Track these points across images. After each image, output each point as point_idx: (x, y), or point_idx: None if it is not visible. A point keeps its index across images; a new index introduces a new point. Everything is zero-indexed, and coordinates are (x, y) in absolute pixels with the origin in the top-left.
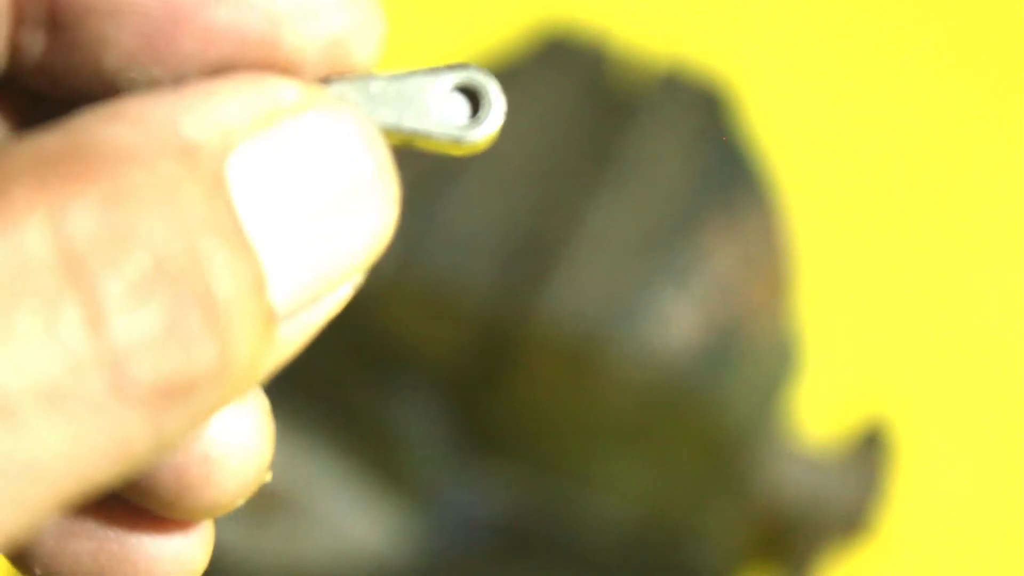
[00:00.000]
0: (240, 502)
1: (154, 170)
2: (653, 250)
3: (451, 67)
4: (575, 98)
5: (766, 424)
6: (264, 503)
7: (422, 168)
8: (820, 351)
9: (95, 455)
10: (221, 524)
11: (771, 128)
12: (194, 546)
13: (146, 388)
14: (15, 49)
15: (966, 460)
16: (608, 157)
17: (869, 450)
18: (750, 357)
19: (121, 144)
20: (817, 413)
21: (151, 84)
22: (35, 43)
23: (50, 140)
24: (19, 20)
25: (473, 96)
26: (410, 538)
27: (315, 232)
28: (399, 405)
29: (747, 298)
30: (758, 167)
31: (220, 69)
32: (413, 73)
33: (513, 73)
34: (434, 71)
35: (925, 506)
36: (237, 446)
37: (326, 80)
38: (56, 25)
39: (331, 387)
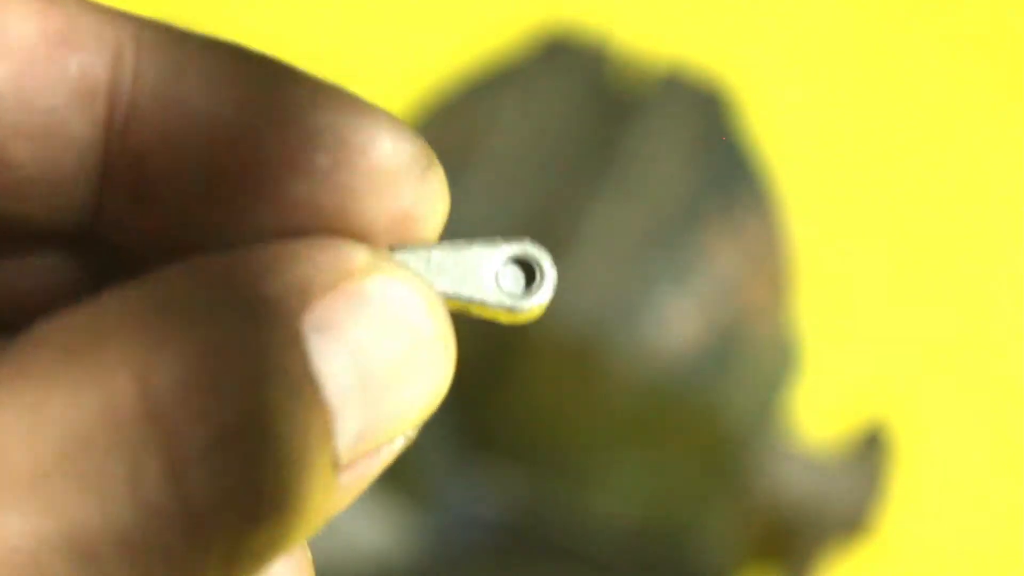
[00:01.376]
0: None
1: (235, 327)
2: (654, 250)
3: (507, 240)
4: (576, 98)
5: (767, 424)
6: None
7: None
8: (820, 351)
9: None
10: None
11: (771, 128)
12: None
13: (219, 539)
14: (100, 209)
15: (966, 460)
16: (609, 157)
17: (869, 451)
18: (751, 357)
19: (204, 301)
20: (817, 414)
21: (229, 250)
22: (120, 206)
23: (137, 296)
24: (106, 184)
25: (527, 267)
26: (411, 537)
27: (378, 388)
28: None
29: (748, 298)
30: (759, 167)
31: (295, 234)
32: (472, 243)
33: (515, 73)
34: (492, 242)
35: (925, 506)
36: None
37: (391, 248)
38: (141, 191)
39: None
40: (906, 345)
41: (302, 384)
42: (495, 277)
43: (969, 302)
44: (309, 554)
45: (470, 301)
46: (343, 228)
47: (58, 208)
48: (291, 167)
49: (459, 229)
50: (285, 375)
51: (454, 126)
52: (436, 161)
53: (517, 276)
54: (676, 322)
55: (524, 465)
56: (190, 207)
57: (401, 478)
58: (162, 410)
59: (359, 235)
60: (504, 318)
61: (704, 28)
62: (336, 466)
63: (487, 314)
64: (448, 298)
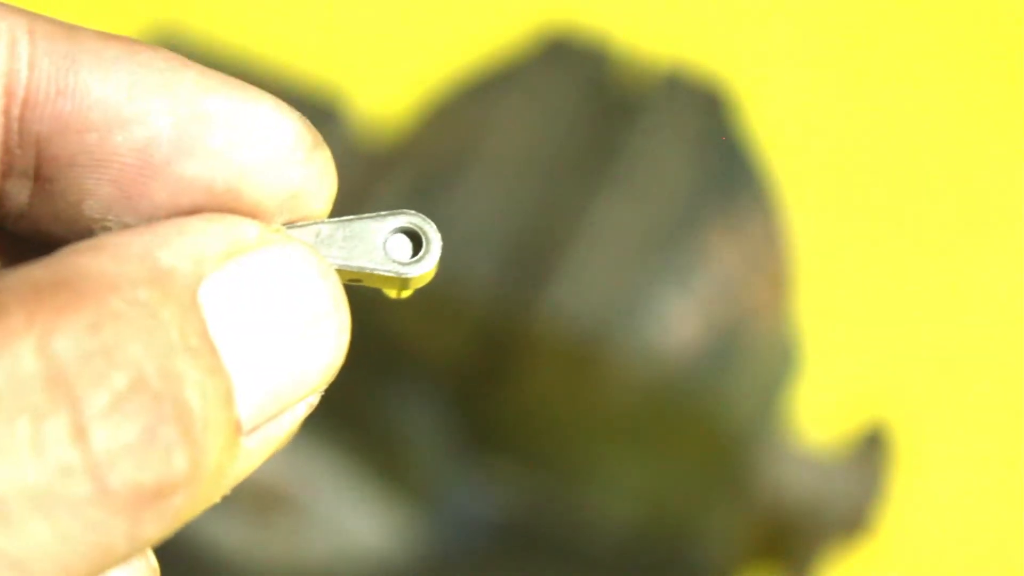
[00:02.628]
0: None
1: (132, 296)
2: (655, 250)
3: (393, 212)
4: (577, 98)
5: (767, 424)
6: (267, 503)
7: (424, 169)
8: (820, 352)
9: (78, 554)
10: (224, 524)
11: (771, 129)
12: None
13: (124, 493)
14: (1, 196)
15: (966, 460)
16: (610, 157)
17: (870, 451)
18: (752, 357)
19: (102, 273)
20: (818, 414)
21: (125, 228)
22: (20, 192)
23: (38, 271)
24: (5, 171)
25: (414, 237)
26: (412, 537)
27: (277, 354)
28: (401, 404)
29: (749, 298)
30: (759, 168)
31: (189, 213)
32: (360, 218)
33: (516, 73)
34: (378, 216)
35: (925, 506)
36: None
37: (284, 224)
38: (40, 176)
39: (332, 387)
40: (906, 345)
41: (200, 349)
42: (383, 247)
43: (969, 302)
44: (154, 563)
45: (360, 270)
46: (235, 206)
47: None
48: (183, 148)
49: (460, 228)
50: (183, 341)
51: (455, 126)
52: (322, 142)
53: (405, 245)
54: (676, 322)
55: (524, 465)
56: (87, 190)
57: (402, 477)
58: (63, 374)
59: (251, 213)
60: (395, 286)
61: (704, 28)
62: (238, 429)
63: (378, 283)
64: (339, 268)
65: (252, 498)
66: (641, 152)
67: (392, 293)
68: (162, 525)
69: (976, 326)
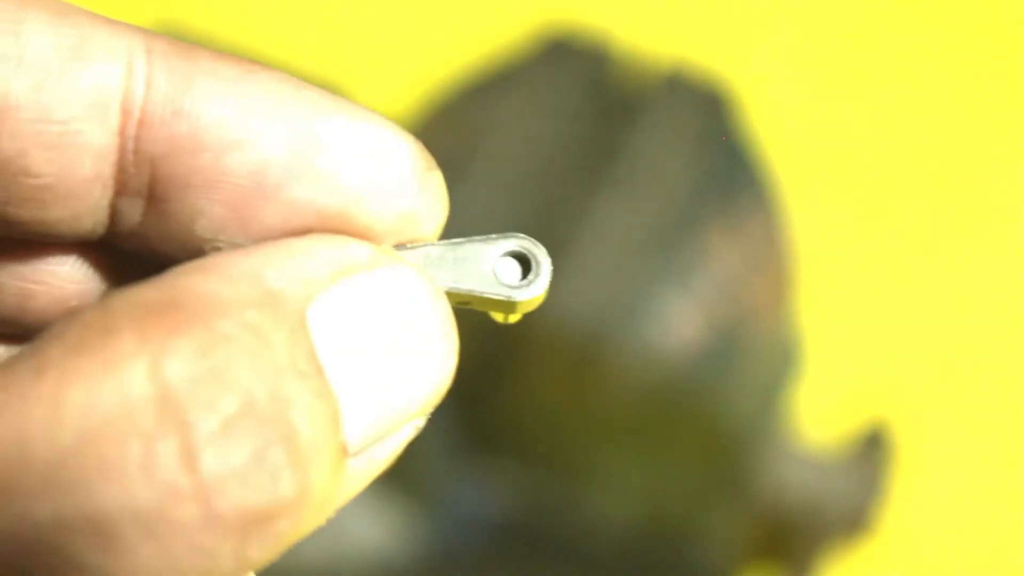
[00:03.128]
0: None
1: (242, 318)
2: (655, 250)
3: (504, 236)
4: (578, 98)
5: (768, 424)
6: None
7: None
8: (821, 351)
9: None
10: None
11: (771, 129)
12: None
13: (232, 518)
14: (114, 214)
15: (966, 461)
16: (611, 157)
17: (870, 450)
18: (752, 357)
19: (212, 295)
20: (818, 414)
21: (235, 249)
22: (133, 211)
23: (149, 291)
24: (120, 189)
25: (523, 261)
26: (412, 537)
27: (385, 377)
28: None
29: (749, 298)
30: (760, 167)
31: (300, 235)
32: (470, 240)
33: (516, 73)
34: (488, 239)
35: (925, 506)
36: None
37: (394, 247)
38: (153, 196)
39: None
40: (906, 345)
41: (308, 372)
42: (493, 270)
43: (970, 301)
44: None
45: (470, 293)
46: (346, 229)
47: (75, 214)
48: (295, 172)
49: (460, 229)
50: (292, 364)
51: (455, 127)
52: (435, 165)
53: (514, 269)
54: (677, 323)
55: (524, 466)
56: (199, 210)
57: (402, 478)
58: (174, 397)
59: (362, 235)
60: (503, 310)
61: (704, 28)
62: (345, 452)
63: (486, 306)
64: (448, 291)
65: None
66: (642, 152)
67: (499, 317)
68: (267, 549)
69: (976, 326)
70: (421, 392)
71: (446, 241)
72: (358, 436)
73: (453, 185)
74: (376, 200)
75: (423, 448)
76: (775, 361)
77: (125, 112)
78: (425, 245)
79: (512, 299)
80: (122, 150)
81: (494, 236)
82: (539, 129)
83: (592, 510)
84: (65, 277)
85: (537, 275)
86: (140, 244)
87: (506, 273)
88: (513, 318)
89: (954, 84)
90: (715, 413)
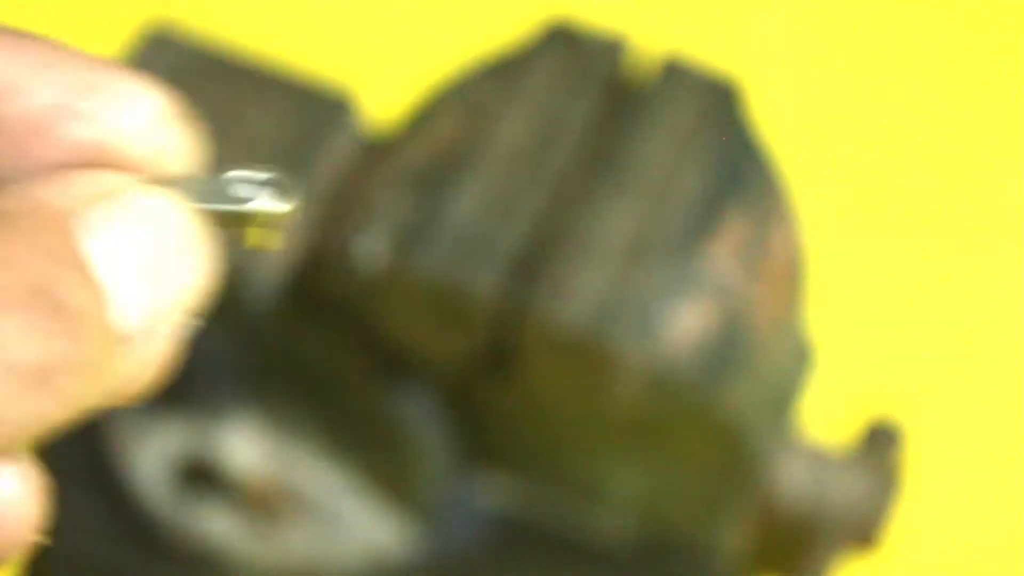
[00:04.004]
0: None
1: (22, 231)
2: (659, 251)
3: (256, 169)
4: (580, 91)
5: (776, 430)
6: (268, 505)
7: (421, 164)
8: (827, 352)
9: None
10: (227, 523)
11: (774, 129)
12: None
13: (16, 372)
14: None
15: (970, 461)
16: (614, 154)
17: (880, 454)
18: (759, 362)
19: None
20: (825, 417)
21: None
22: None
23: None
24: None
25: (276, 188)
26: (412, 539)
27: (147, 276)
28: (402, 406)
29: (756, 300)
30: (769, 164)
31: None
32: (224, 172)
33: (516, 63)
34: (240, 173)
35: (926, 506)
36: (6, 504)
37: (153, 178)
38: None
39: (335, 389)
40: (909, 345)
41: (74, 264)
42: (243, 192)
43: (975, 302)
44: (40, 475)
45: (217, 209)
46: (110, 164)
47: None
48: (69, 114)
49: (460, 228)
50: (59, 258)
51: (453, 120)
52: (184, 114)
53: (265, 195)
54: (681, 325)
55: (525, 469)
56: None
57: (403, 480)
58: None
59: (124, 169)
60: (255, 227)
61: (705, 28)
62: (114, 328)
63: (235, 224)
64: (200, 209)
65: (255, 498)
66: (646, 150)
67: (255, 238)
68: (56, 404)
69: (982, 326)
70: (182, 289)
71: (201, 175)
72: (128, 319)
73: (452, 182)
74: (131, 139)
75: (425, 451)
76: (783, 365)
77: None
78: (185, 178)
79: (249, 211)
80: None
81: (247, 171)
82: (541, 125)
83: (593, 516)
84: None
85: (286, 196)
86: None
87: (257, 198)
88: (270, 241)
89: (959, 85)
90: (720, 419)
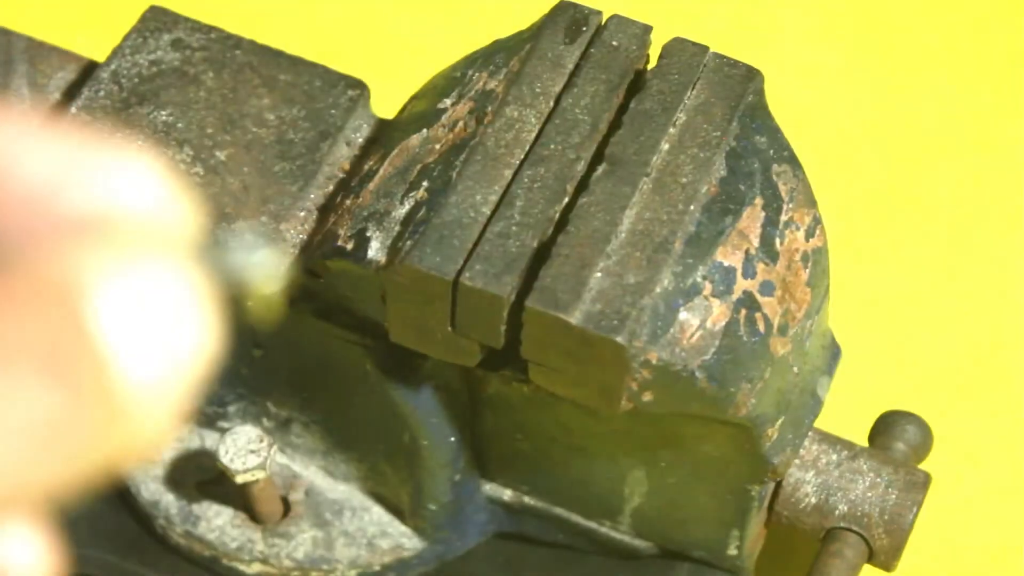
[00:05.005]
0: None
1: (25, 298)
2: (669, 247)
3: (244, 245)
4: (586, 80)
5: (791, 430)
6: (269, 505)
7: (424, 157)
8: (843, 349)
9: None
10: (232, 529)
11: (788, 124)
12: None
13: (27, 432)
14: None
15: (973, 462)
16: (621, 146)
17: (899, 454)
18: (773, 362)
19: (13, 288)
20: (838, 418)
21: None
22: None
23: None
24: None
25: (268, 254)
26: (416, 538)
27: (152, 342)
28: (406, 404)
29: (770, 298)
30: (786, 157)
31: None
32: (218, 244)
33: (520, 49)
34: (232, 240)
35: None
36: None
37: (154, 246)
38: None
39: (336, 386)
40: (918, 347)
41: (82, 336)
42: (238, 257)
43: (980, 302)
44: (52, 544)
45: (219, 274)
46: (111, 232)
47: None
48: (65, 185)
49: (458, 226)
50: (68, 331)
51: (455, 109)
52: (180, 192)
53: (257, 259)
54: (688, 326)
55: (527, 475)
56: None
57: (405, 482)
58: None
59: (125, 237)
60: (249, 290)
61: (706, 29)
62: (125, 384)
63: (237, 287)
64: (203, 281)
65: (255, 498)
66: (655, 141)
67: (260, 310)
68: (62, 462)
69: (987, 329)
70: (186, 351)
71: (203, 241)
72: (132, 382)
73: (450, 180)
74: (130, 208)
75: (426, 453)
76: (803, 364)
77: None
78: (186, 244)
79: (246, 277)
80: None
81: (241, 236)
82: (543, 117)
83: (601, 520)
84: None
85: (272, 269)
86: None
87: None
88: (268, 314)
89: (967, 83)
90: (732, 420)
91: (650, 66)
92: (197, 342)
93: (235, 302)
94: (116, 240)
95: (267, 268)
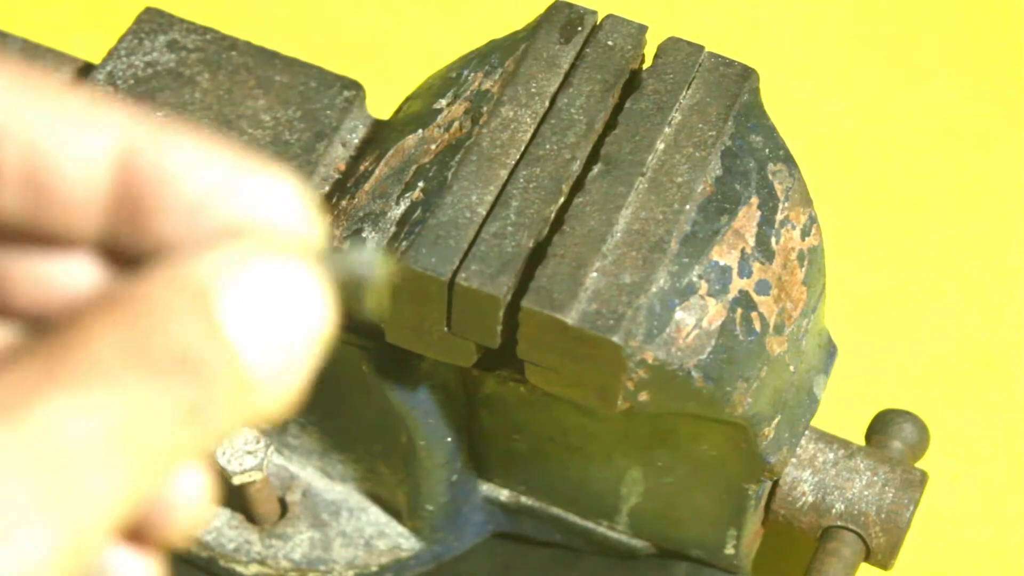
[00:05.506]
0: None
1: (166, 299)
2: (664, 247)
3: (358, 248)
4: (582, 80)
5: (787, 428)
6: (268, 505)
7: (420, 157)
8: (840, 347)
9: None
10: (229, 530)
11: (784, 124)
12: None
13: (174, 412)
14: (105, 231)
15: (970, 459)
16: (617, 145)
17: (896, 452)
18: (769, 361)
19: (151, 298)
20: (833, 416)
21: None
22: (120, 230)
23: (119, 291)
24: (113, 217)
25: (374, 259)
26: (409, 541)
27: (275, 334)
28: (405, 404)
29: (766, 297)
30: (781, 156)
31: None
32: (332, 249)
33: (516, 49)
34: (343, 249)
35: (933, 507)
36: (187, 501)
37: (283, 250)
38: (133, 219)
39: (336, 386)
40: (914, 346)
41: (214, 330)
42: (351, 261)
43: (976, 300)
44: (207, 476)
45: (335, 275)
46: (249, 237)
47: (78, 226)
48: (219, 197)
49: (454, 220)
50: (203, 326)
51: (451, 109)
52: (311, 201)
53: (366, 264)
54: (684, 326)
55: (526, 475)
56: (162, 229)
57: (404, 483)
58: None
59: (267, 243)
60: (361, 288)
61: (702, 28)
62: (247, 376)
63: (351, 289)
64: (322, 277)
65: (255, 498)
66: (651, 141)
67: (371, 304)
68: (203, 435)
69: (985, 329)
70: (303, 341)
71: (323, 247)
72: (257, 370)
73: (448, 180)
74: (268, 218)
75: (425, 455)
76: (799, 362)
77: (123, 178)
78: (310, 249)
79: (359, 276)
80: (116, 192)
81: (348, 248)
82: (541, 115)
83: (599, 520)
84: (73, 272)
85: (378, 266)
86: (119, 246)
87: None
88: (377, 306)
89: (962, 84)
90: (728, 419)
91: (645, 65)
92: (318, 332)
93: (354, 296)
94: (255, 245)
95: (378, 265)
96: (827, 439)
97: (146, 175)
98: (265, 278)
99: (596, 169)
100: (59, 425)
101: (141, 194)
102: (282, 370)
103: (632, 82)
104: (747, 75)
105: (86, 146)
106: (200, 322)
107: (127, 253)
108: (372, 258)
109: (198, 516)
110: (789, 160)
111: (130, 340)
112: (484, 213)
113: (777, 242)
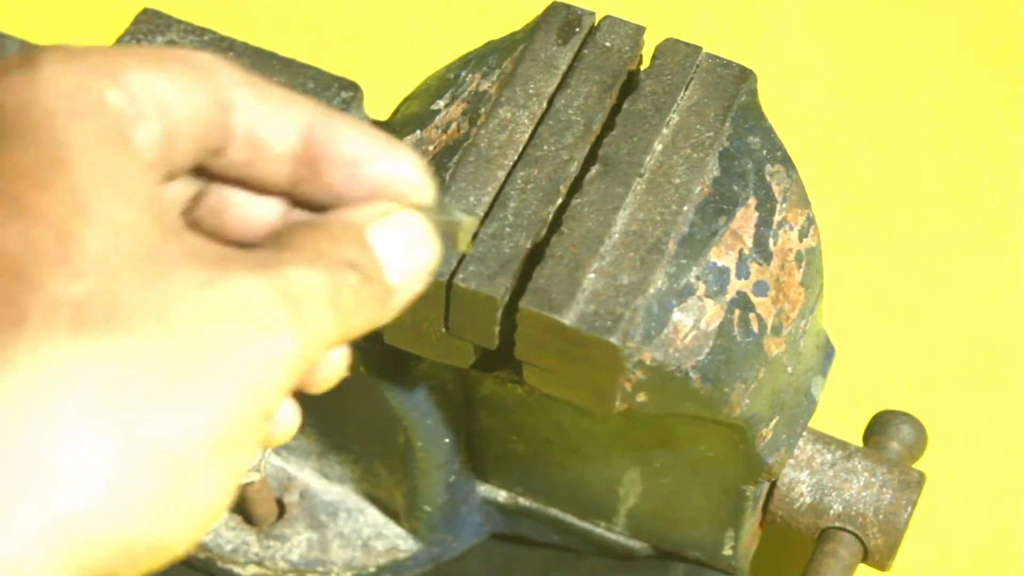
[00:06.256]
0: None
1: (335, 230)
2: (662, 248)
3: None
4: (580, 81)
5: (785, 429)
6: (268, 505)
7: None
8: (837, 348)
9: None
10: (227, 531)
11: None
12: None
13: (348, 303)
14: (291, 186)
15: (972, 462)
16: (615, 146)
17: (893, 453)
18: (767, 361)
19: (319, 246)
20: (831, 417)
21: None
22: (304, 189)
23: (293, 237)
24: (298, 179)
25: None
26: (407, 542)
27: (405, 259)
28: (403, 405)
29: (764, 298)
30: (779, 158)
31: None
32: (446, 207)
33: (514, 50)
34: (451, 208)
35: (932, 509)
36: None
37: (409, 204)
38: (316, 182)
39: (331, 391)
40: (912, 347)
41: (368, 252)
42: (452, 213)
43: (974, 302)
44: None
45: (441, 222)
46: (388, 195)
47: (275, 175)
48: (364, 165)
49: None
50: (360, 248)
51: (449, 109)
52: (427, 167)
53: (462, 215)
54: (682, 327)
55: (524, 476)
56: (331, 188)
57: (404, 484)
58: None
59: (397, 200)
60: (456, 232)
61: (700, 29)
62: (389, 284)
63: (450, 228)
64: (432, 221)
65: (254, 498)
66: (649, 142)
67: (463, 245)
68: (365, 319)
69: (984, 329)
70: (423, 265)
71: (435, 203)
72: (395, 280)
73: (442, 168)
74: (399, 181)
75: (425, 456)
76: (797, 363)
77: (305, 144)
78: (425, 205)
79: (456, 220)
80: (301, 153)
81: (455, 208)
82: (541, 115)
83: (597, 520)
84: (268, 209)
85: (469, 217)
86: (298, 192)
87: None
88: (465, 246)
89: (962, 83)
90: (725, 420)
91: (643, 67)
92: (427, 259)
93: (451, 238)
94: (389, 199)
95: (467, 219)
96: (825, 440)
97: (321, 142)
98: (398, 225)
99: (594, 170)
100: (298, 282)
101: (317, 155)
102: (408, 284)
103: (630, 83)
104: (745, 76)
105: (285, 120)
106: (361, 246)
107: (303, 199)
108: (462, 215)
109: (339, 374)
110: (787, 161)
111: (322, 248)
112: (482, 214)
113: (775, 243)
